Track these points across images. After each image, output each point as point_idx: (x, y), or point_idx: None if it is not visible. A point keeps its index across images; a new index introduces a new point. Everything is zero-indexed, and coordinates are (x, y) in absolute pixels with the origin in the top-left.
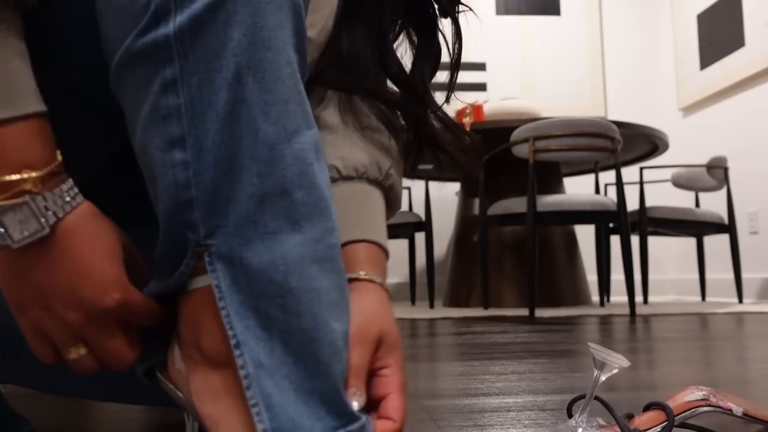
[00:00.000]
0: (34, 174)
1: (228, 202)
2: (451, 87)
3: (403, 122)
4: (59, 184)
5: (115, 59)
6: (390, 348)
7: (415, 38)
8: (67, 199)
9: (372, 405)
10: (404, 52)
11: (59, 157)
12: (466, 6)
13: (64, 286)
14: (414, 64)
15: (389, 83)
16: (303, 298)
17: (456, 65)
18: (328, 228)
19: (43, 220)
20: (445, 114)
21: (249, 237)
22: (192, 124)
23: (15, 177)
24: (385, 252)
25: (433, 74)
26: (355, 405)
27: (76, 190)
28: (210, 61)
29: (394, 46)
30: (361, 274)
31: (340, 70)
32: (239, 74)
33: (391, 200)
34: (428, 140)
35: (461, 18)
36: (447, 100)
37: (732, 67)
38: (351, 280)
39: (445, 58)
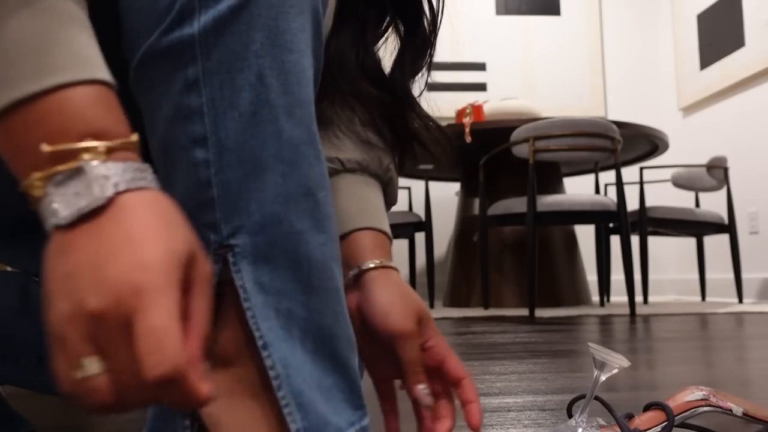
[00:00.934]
0: (97, 144)
1: (251, 202)
2: (428, 67)
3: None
4: (130, 161)
5: (137, 57)
6: (428, 320)
7: (402, 29)
8: (137, 177)
9: (433, 374)
10: (384, 54)
11: (134, 137)
12: None
13: (93, 264)
14: (399, 57)
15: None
16: (326, 297)
17: (432, 42)
18: (336, 227)
19: (99, 190)
20: (422, 110)
21: (274, 237)
22: (214, 123)
23: (75, 145)
24: (390, 239)
25: (416, 69)
26: (429, 400)
27: (151, 175)
28: (232, 61)
29: (378, 45)
30: (381, 261)
31: (325, 71)
32: (262, 75)
33: (389, 194)
34: (408, 138)
35: (460, 17)
36: (426, 85)
37: (732, 67)
38: (369, 270)
39: (443, 57)
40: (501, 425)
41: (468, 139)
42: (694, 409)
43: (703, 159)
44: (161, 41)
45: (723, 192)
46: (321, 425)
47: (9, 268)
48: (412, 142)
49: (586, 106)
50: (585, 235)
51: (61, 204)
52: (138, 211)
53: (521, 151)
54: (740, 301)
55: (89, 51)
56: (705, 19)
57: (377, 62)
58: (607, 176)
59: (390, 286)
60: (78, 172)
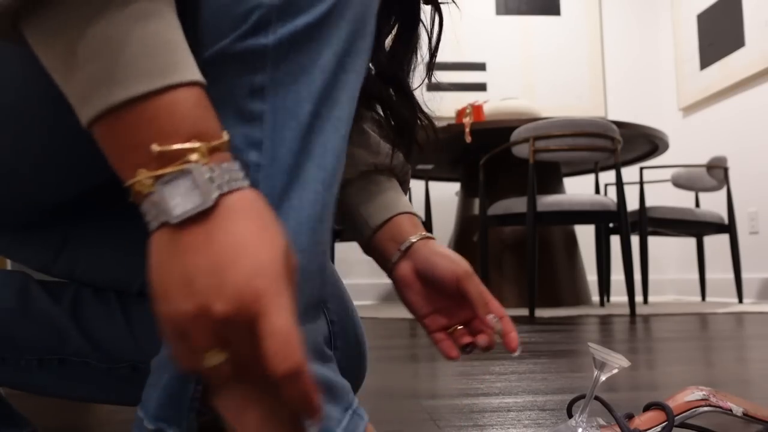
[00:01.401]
0: (201, 145)
1: (290, 209)
2: (430, 67)
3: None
4: (225, 161)
5: (207, 54)
6: (472, 272)
7: (396, 28)
8: (234, 177)
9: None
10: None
11: (226, 136)
12: None
13: (212, 268)
14: (393, 54)
15: None
16: (341, 301)
17: (436, 47)
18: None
19: (206, 192)
20: (420, 107)
21: (304, 244)
22: (273, 130)
23: (183, 146)
24: (421, 220)
25: (410, 66)
26: (499, 326)
27: (242, 172)
28: (299, 74)
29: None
30: (422, 234)
31: None
32: (324, 90)
33: (405, 190)
34: (410, 134)
35: (460, 17)
36: (429, 80)
37: (732, 67)
38: (415, 242)
39: (443, 57)
40: (501, 425)
41: (468, 139)
42: (694, 409)
43: (703, 159)
44: (235, 45)
45: (723, 192)
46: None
47: (9, 266)
48: (412, 139)
49: (586, 106)
50: (585, 235)
51: (171, 203)
52: (242, 214)
53: (521, 151)
54: (740, 301)
55: (187, 53)
56: (705, 19)
57: (387, 58)
58: (607, 176)
59: (437, 247)
60: (184, 172)
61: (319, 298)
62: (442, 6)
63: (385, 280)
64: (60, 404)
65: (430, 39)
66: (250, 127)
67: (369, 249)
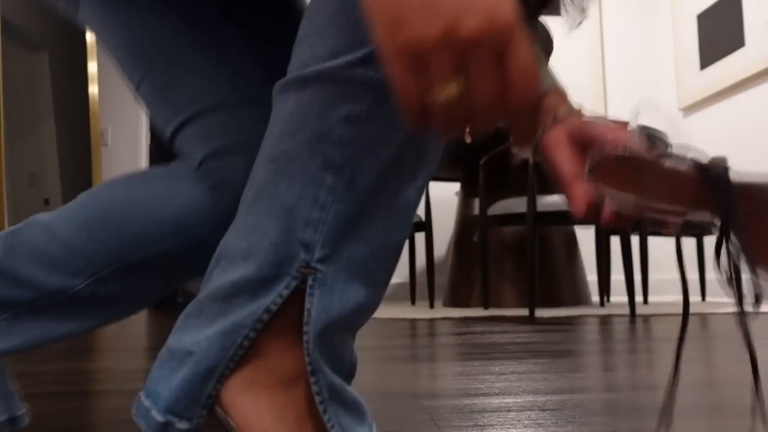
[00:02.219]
0: None
1: (349, 239)
2: None
3: None
4: None
5: (311, 69)
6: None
7: None
8: None
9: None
10: None
11: None
12: None
13: None
14: None
15: None
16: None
17: None
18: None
19: None
20: None
21: (354, 277)
22: (354, 159)
23: None
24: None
25: None
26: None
27: None
28: (394, 118)
29: None
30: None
31: None
32: (410, 140)
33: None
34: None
35: None
36: None
37: (732, 67)
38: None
39: None
40: (501, 425)
41: (468, 139)
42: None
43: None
44: (345, 70)
45: None
46: None
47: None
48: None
49: (586, 106)
50: (585, 235)
51: None
52: None
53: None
54: None
55: None
56: (705, 19)
57: None
58: None
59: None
60: None
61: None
62: None
63: None
64: (60, 404)
65: None
66: (333, 149)
67: None
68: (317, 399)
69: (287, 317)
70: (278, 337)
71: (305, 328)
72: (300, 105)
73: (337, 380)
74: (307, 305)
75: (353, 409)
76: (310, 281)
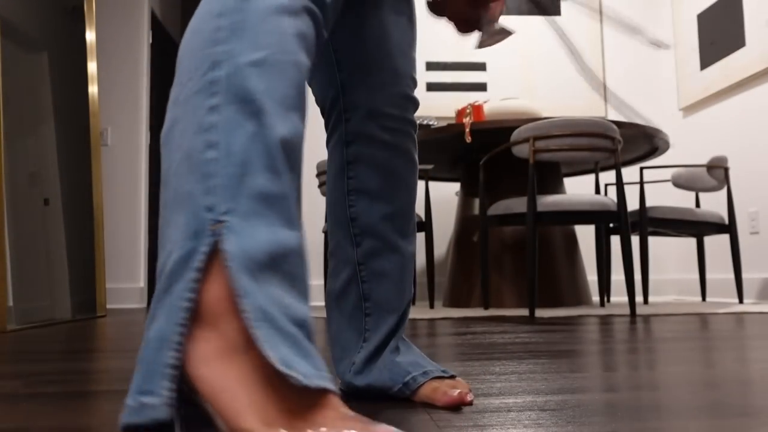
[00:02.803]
0: None
1: (243, 190)
2: None
3: None
4: None
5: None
6: None
7: None
8: None
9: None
10: None
11: None
12: None
13: None
14: None
15: None
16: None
17: None
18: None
19: None
20: None
21: (260, 219)
22: (224, 134)
23: None
24: None
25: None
26: None
27: None
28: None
29: None
30: None
31: None
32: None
33: None
34: None
35: None
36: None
37: (732, 67)
38: None
39: (444, 57)
40: (501, 425)
41: (468, 139)
42: None
43: (703, 159)
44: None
45: (723, 192)
46: (288, 361)
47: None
48: None
49: (586, 106)
50: (585, 235)
51: None
52: None
53: (521, 151)
54: (740, 301)
55: None
56: (705, 19)
57: None
58: (607, 176)
59: None
60: None
61: None
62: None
63: None
64: (59, 404)
65: None
66: (209, 133)
67: None
68: (248, 326)
69: (219, 280)
70: (219, 302)
71: (226, 264)
72: (175, 123)
73: (271, 309)
74: (225, 246)
75: (292, 341)
76: (223, 232)
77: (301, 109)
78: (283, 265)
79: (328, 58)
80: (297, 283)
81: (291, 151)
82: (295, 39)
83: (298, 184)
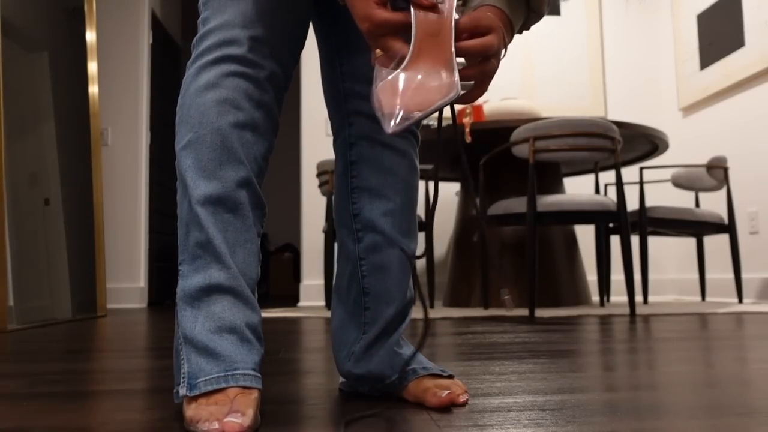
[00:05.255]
0: None
1: (186, 247)
2: None
3: None
4: None
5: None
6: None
7: None
8: None
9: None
10: None
11: None
12: None
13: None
14: None
15: None
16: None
17: None
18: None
19: None
20: None
21: (196, 264)
22: (178, 206)
23: None
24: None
25: None
26: None
27: None
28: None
29: None
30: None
31: None
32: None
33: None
34: None
35: None
36: None
37: (732, 67)
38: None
39: None
40: (501, 425)
41: (468, 139)
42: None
43: (703, 159)
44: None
45: (723, 192)
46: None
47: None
48: None
49: (586, 106)
50: (585, 235)
51: None
52: None
53: (521, 151)
54: (740, 301)
55: None
56: (705, 19)
57: None
58: (607, 176)
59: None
60: None
61: None
62: None
63: None
64: (59, 404)
65: None
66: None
67: None
68: (178, 345)
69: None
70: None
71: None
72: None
73: (190, 332)
74: (178, 287)
75: (204, 352)
76: (180, 274)
77: (230, 161)
78: (213, 293)
79: (334, 71)
80: (226, 301)
81: (217, 203)
82: (215, 108)
83: (230, 222)
